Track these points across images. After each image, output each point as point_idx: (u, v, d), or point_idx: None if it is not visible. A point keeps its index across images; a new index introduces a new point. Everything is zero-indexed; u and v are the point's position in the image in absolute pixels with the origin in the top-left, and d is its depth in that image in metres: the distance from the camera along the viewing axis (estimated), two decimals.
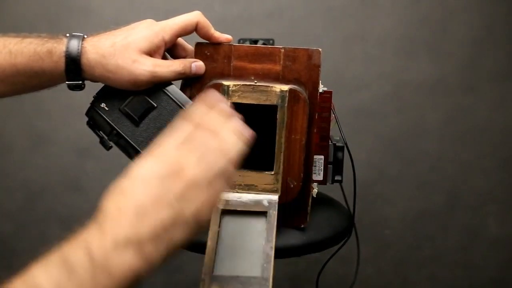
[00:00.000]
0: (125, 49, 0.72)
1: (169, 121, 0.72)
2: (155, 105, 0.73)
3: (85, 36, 0.74)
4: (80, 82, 0.75)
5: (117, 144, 0.74)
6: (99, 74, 0.73)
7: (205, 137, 0.57)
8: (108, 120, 0.74)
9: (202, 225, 0.55)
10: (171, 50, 0.78)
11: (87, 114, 0.75)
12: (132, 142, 0.73)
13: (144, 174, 0.54)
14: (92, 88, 0.77)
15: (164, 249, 0.52)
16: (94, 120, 0.75)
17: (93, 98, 0.76)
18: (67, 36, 0.74)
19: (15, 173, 1.47)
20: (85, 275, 0.48)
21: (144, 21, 0.75)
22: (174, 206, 0.52)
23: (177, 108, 0.73)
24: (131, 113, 0.73)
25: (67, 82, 0.75)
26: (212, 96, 0.60)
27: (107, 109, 0.74)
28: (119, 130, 0.73)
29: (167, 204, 0.52)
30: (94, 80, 0.75)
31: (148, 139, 0.73)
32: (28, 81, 0.76)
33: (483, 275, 1.52)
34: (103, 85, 0.76)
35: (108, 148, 0.75)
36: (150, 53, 0.73)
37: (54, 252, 0.50)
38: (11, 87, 0.76)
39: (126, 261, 0.49)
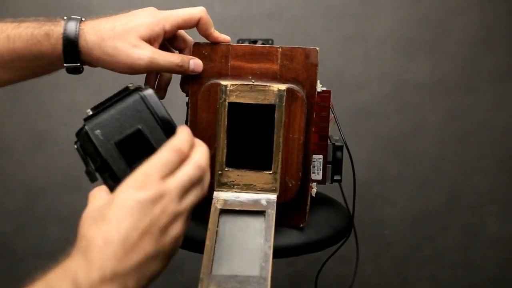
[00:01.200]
0: (125, 34, 0.72)
1: None
2: (155, 146, 0.61)
3: (83, 19, 0.74)
4: (78, 64, 0.74)
5: (104, 180, 0.63)
6: (97, 57, 0.72)
7: (189, 170, 0.56)
8: (102, 153, 0.62)
9: (174, 255, 0.56)
10: (171, 40, 0.78)
11: (77, 135, 0.63)
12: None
13: (127, 202, 0.53)
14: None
15: (144, 280, 0.52)
16: (84, 147, 0.63)
17: (86, 116, 0.63)
18: (65, 19, 0.74)
19: (15, 173, 1.47)
20: None
21: (146, 8, 0.75)
22: (158, 240, 0.53)
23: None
24: (127, 151, 0.62)
25: (65, 65, 0.74)
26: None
27: (101, 138, 0.62)
28: (112, 168, 0.62)
29: (152, 237, 0.52)
30: (92, 63, 0.74)
31: None
32: (27, 66, 0.75)
33: (483, 275, 1.52)
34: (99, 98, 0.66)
35: (93, 181, 0.63)
36: (150, 40, 0.73)
37: (40, 280, 0.49)
38: (11, 73, 0.76)
39: None
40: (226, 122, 0.73)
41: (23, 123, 1.46)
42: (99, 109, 0.63)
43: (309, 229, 0.80)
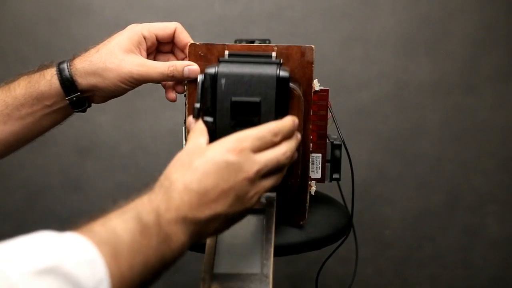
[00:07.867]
0: (110, 52, 0.75)
1: None
2: (261, 122, 0.64)
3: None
4: (79, 93, 0.77)
5: (205, 123, 0.64)
6: (90, 80, 0.76)
7: (278, 154, 0.60)
8: (216, 102, 0.65)
9: (234, 224, 0.61)
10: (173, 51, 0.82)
11: (206, 70, 0.66)
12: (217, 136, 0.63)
13: (216, 159, 0.57)
14: None
15: (204, 234, 0.58)
16: (205, 85, 0.66)
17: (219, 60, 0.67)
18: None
19: (15, 173, 1.47)
20: (154, 237, 0.53)
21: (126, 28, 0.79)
22: (230, 205, 0.57)
23: None
24: (236, 112, 0.65)
25: (67, 98, 0.77)
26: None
27: (223, 89, 0.65)
28: (217, 120, 0.65)
29: (227, 201, 0.56)
30: (87, 89, 0.77)
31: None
32: (32, 111, 0.78)
33: (483, 275, 1.52)
34: None
35: (194, 117, 0.65)
36: (134, 48, 0.76)
37: (128, 206, 0.54)
38: (21, 123, 0.79)
39: (181, 237, 0.55)
40: None
41: None
42: (237, 56, 0.69)
43: (308, 227, 0.80)
